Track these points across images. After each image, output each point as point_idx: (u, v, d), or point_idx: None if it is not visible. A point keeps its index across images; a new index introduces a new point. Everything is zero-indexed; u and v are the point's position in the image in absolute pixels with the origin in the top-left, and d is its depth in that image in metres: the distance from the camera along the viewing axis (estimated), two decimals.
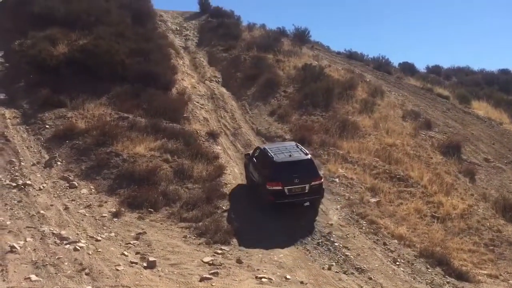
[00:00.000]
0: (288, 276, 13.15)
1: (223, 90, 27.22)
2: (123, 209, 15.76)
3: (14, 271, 11.78)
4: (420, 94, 30.33)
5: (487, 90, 34.25)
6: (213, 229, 15.06)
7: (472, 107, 29.55)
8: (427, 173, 19.75)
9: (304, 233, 15.43)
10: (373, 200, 17.67)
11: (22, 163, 17.44)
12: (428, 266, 14.67)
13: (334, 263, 14.24)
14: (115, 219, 15.28)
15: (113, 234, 14.45)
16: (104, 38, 24.45)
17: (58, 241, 13.39)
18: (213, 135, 21.41)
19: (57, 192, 16.26)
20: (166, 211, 16.17)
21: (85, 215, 15.25)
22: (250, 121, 23.95)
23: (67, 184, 16.76)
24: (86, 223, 14.80)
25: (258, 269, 13.39)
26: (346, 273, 13.84)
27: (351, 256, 14.64)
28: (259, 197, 16.48)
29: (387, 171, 19.57)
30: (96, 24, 26.11)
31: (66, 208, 15.37)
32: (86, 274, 12.01)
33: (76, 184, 16.79)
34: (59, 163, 17.83)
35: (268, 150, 16.63)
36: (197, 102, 24.72)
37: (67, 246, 13.20)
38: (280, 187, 15.55)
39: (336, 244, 15.15)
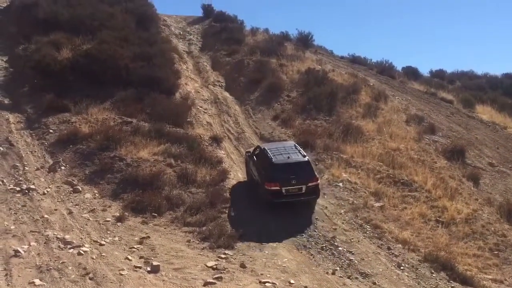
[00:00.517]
0: (292, 281, 13.11)
1: (227, 94, 27.25)
2: (126, 214, 15.77)
3: (18, 276, 11.78)
4: (424, 98, 30.29)
5: (491, 94, 34.17)
6: (217, 234, 15.04)
7: (476, 111, 29.50)
8: (431, 178, 19.70)
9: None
10: (377, 204, 17.62)
11: (26, 167, 17.49)
12: (433, 271, 14.61)
13: (338, 268, 14.19)
14: (119, 224, 15.28)
15: (117, 238, 14.46)
16: (108, 42, 24.54)
17: (62, 246, 13.39)
18: (216, 140, 21.42)
19: (61, 197, 16.28)
20: (169, 215, 16.17)
21: (89, 219, 15.26)
22: (253, 125, 23.96)
23: (71, 189, 16.79)
24: (90, 227, 14.81)
25: (262, 274, 13.34)
26: (350, 277, 13.79)
27: (355, 261, 14.59)
28: (258, 196, 16.90)
29: (391, 175, 19.53)
30: (100, 29, 26.20)
31: (70, 213, 15.39)
32: (90, 278, 11.99)
33: (80, 189, 16.82)
34: (63, 167, 17.86)
35: (268, 150, 16.96)
36: (201, 107, 24.75)
37: (71, 250, 13.20)
38: (278, 188, 16.02)
39: (340, 248, 15.10)
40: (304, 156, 16.75)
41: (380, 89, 28.70)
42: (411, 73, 38.22)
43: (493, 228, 17.29)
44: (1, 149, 18.16)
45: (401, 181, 19.27)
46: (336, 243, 15.32)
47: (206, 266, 13.45)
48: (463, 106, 29.78)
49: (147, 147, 18.96)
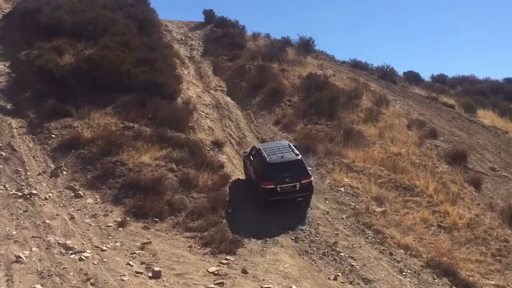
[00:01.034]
0: (293, 287, 13.11)
1: (228, 99, 27.29)
2: (128, 219, 15.77)
3: (20, 281, 11.80)
4: (425, 103, 30.28)
5: (493, 99, 34.15)
6: (218, 239, 15.05)
7: (477, 116, 29.45)
8: (432, 182, 19.65)
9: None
10: (378, 209, 17.59)
11: (28, 172, 17.51)
12: (435, 277, 14.56)
13: (340, 273, 14.16)
14: (120, 229, 15.28)
15: (118, 244, 14.46)
16: (110, 48, 24.63)
17: (63, 251, 13.40)
18: (218, 144, 21.44)
19: (63, 202, 16.30)
20: (171, 220, 16.18)
21: (90, 224, 15.27)
22: (255, 130, 23.98)
23: (73, 194, 16.81)
24: (91, 232, 14.81)
25: (263, 279, 13.33)
26: (352, 283, 13.77)
27: (357, 266, 14.56)
28: (254, 194, 17.45)
29: (393, 180, 19.50)
30: (102, 34, 26.32)
31: (72, 218, 15.40)
32: (91, 284, 12.01)
33: (82, 194, 16.83)
34: (64, 172, 17.89)
35: (263, 150, 17.58)
36: (202, 112, 24.79)
37: (73, 256, 13.21)
38: (272, 186, 16.61)
39: (342, 254, 15.08)
40: (297, 155, 17.30)
41: (381, 94, 28.71)
42: (413, 78, 38.21)
43: (495, 233, 17.22)
44: (4, 154, 18.19)
45: (403, 186, 19.24)
46: (338, 249, 15.30)
47: (208, 271, 13.45)
48: (464, 111, 29.74)
49: (149, 152, 18.98)
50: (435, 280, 14.41)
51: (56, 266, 12.64)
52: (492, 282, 14.83)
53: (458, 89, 39.06)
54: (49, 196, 16.41)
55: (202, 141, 21.03)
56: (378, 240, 16.00)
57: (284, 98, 26.44)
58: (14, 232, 14.02)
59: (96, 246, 14.02)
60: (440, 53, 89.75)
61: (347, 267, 14.51)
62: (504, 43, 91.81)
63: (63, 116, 20.80)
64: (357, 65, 36.86)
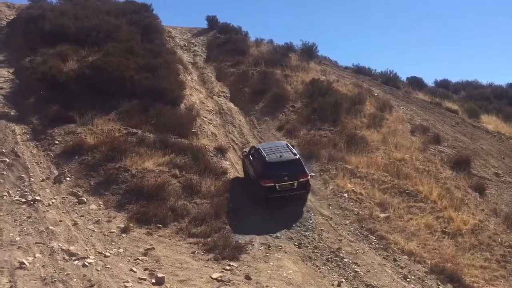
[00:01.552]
0: None
1: (231, 105, 27.32)
2: (131, 225, 15.77)
3: (23, 287, 11.77)
4: (429, 108, 30.23)
5: (496, 104, 34.09)
6: (222, 245, 15.03)
7: (481, 121, 29.39)
8: (436, 188, 19.59)
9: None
10: (382, 215, 17.54)
11: (31, 178, 17.54)
12: (439, 283, 14.50)
13: (343, 280, 14.12)
14: (123, 235, 15.28)
15: (121, 250, 14.44)
16: (113, 54, 24.73)
17: (67, 257, 13.41)
18: (221, 150, 21.44)
19: (66, 208, 16.31)
20: (174, 226, 16.16)
21: (93, 230, 15.27)
22: (258, 136, 23.97)
23: (76, 200, 16.82)
24: (94, 239, 14.81)
25: (267, 286, 13.30)
26: None
27: (361, 273, 14.51)
28: (254, 192, 17.97)
29: (396, 186, 19.44)
30: (106, 41, 26.43)
31: (75, 224, 15.40)
32: None
33: (85, 200, 16.85)
34: (68, 178, 17.91)
35: (262, 150, 18.18)
36: (205, 117, 24.82)
37: (76, 262, 13.22)
38: (272, 184, 17.23)
39: (345, 260, 15.03)
40: (295, 155, 17.93)
41: (384, 99, 28.69)
42: (416, 83, 38.13)
43: (499, 239, 17.14)
44: (7, 160, 18.23)
45: (407, 191, 19.18)
46: (341, 255, 15.25)
47: (211, 278, 13.42)
48: (468, 116, 29.68)
49: (152, 158, 18.99)
50: (440, 286, 14.36)
51: (60, 272, 12.64)
52: None
53: (461, 94, 39.00)
54: (52, 202, 16.43)
55: (205, 147, 21.05)
56: (382, 246, 15.95)
57: (287, 103, 26.45)
58: (17, 238, 14.04)
59: (99, 252, 14.02)
60: (444, 59, 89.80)
61: (350, 273, 14.46)
62: (507, 48, 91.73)
63: (66, 122, 20.84)
64: (360, 71, 36.86)
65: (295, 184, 17.40)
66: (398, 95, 32.01)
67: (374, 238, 16.33)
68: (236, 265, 14.29)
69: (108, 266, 13.30)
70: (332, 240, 15.99)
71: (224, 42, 35.18)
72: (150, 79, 23.99)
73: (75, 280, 12.33)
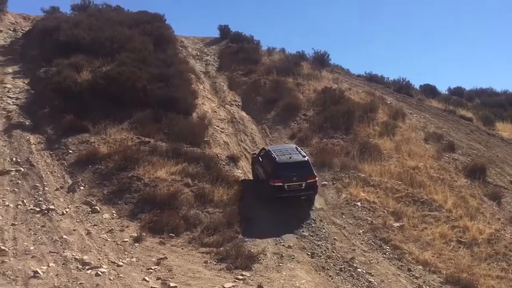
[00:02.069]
0: None
1: (243, 114, 27.36)
2: (144, 234, 15.80)
3: None
4: (443, 116, 29.98)
5: (511, 111, 33.63)
6: (234, 255, 14.97)
7: (496, 128, 29.07)
8: (451, 197, 19.38)
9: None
10: (396, 224, 17.37)
11: (46, 188, 17.69)
12: None
13: None
14: (136, 244, 15.30)
15: (134, 259, 14.47)
16: (126, 64, 24.93)
17: (80, 267, 13.48)
18: (233, 159, 21.45)
19: (80, 217, 16.40)
20: (187, 236, 16.15)
21: (107, 240, 15.33)
22: (270, 144, 23.91)
23: (90, 209, 16.91)
24: (108, 248, 14.86)
25: None
26: None
27: (375, 283, 14.36)
28: (263, 191, 18.43)
29: (410, 194, 19.25)
30: (119, 51, 26.67)
31: (89, 233, 15.48)
32: None
33: (98, 209, 16.93)
34: (82, 187, 18.04)
35: (272, 151, 18.72)
36: (218, 126, 24.88)
37: (89, 271, 13.28)
38: (281, 184, 17.72)
39: (359, 270, 14.88)
40: (304, 157, 18.51)
41: (397, 107, 28.52)
42: (429, 90, 37.91)
43: None
44: (22, 169, 18.43)
45: (421, 200, 18.98)
46: (355, 264, 15.11)
47: (224, 287, 13.35)
48: (483, 124, 29.38)
49: (165, 166, 19.05)
50: None
51: (73, 281, 12.70)
52: None
53: (476, 102, 38.64)
54: (66, 211, 16.54)
55: (217, 155, 21.07)
56: (396, 256, 15.78)
57: (299, 112, 26.42)
58: (31, 248, 14.14)
59: (112, 262, 14.06)
60: (457, 66, 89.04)
61: (364, 283, 14.31)
62: None
63: (80, 131, 21.03)
64: (372, 79, 36.73)
65: (303, 184, 17.85)
66: (411, 103, 31.80)
67: (388, 247, 16.17)
68: (248, 275, 14.23)
69: (121, 275, 13.33)
70: (346, 250, 15.86)
71: (236, 51, 35.30)
72: (163, 88, 24.14)
73: None
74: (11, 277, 12.63)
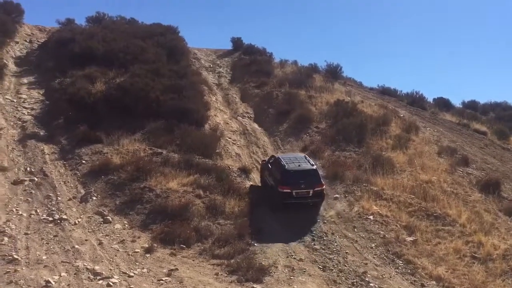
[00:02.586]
0: None
1: (255, 126, 27.39)
2: (155, 245, 15.79)
3: None
4: (456, 129, 29.74)
5: None
6: (245, 267, 14.87)
7: (511, 143, 28.72)
8: (465, 211, 19.11)
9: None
10: (409, 239, 17.15)
11: (59, 197, 17.81)
12: None
13: None
14: (147, 255, 15.29)
15: (145, 270, 14.44)
16: (140, 75, 25.21)
17: (91, 277, 13.48)
18: (245, 171, 21.43)
19: (92, 227, 16.46)
20: (198, 247, 16.11)
21: (118, 250, 15.34)
22: None
23: (102, 219, 16.97)
24: (119, 258, 14.86)
25: None
26: None
27: None
28: (272, 197, 18.79)
29: (423, 208, 19.03)
30: (133, 62, 27.01)
31: (100, 243, 15.51)
32: None
33: (110, 219, 16.98)
34: (94, 198, 18.12)
35: (282, 159, 19.20)
36: (230, 138, 24.92)
37: (100, 281, 13.28)
38: (289, 190, 18.15)
39: (371, 284, 14.68)
40: (313, 165, 19.02)
41: (410, 120, 28.36)
42: (443, 104, 37.71)
43: None
44: (36, 179, 18.59)
45: (434, 214, 18.74)
46: (367, 279, 14.91)
47: None
48: (497, 138, 29.09)
49: (177, 178, 19.10)
50: None
51: None
52: None
53: (490, 116, 38.34)
54: (78, 221, 16.61)
55: (229, 167, 21.07)
56: (409, 271, 15.55)
57: (312, 124, 26.39)
58: (44, 257, 14.19)
59: (123, 272, 14.04)
60: (471, 79, 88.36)
61: None
62: None
63: (93, 142, 21.22)
64: (385, 92, 36.65)
65: (311, 192, 18.32)
66: (425, 116, 31.62)
67: (401, 262, 15.95)
68: None
69: (132, 286, 13.31)
70: (358, 264, 15.67)
71: (248, 63, 35.51)
72: (176, 99, 24.30)
73: None
74: (23, 287, 12.68)
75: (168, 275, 14.29)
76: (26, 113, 23.60)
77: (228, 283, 14.28)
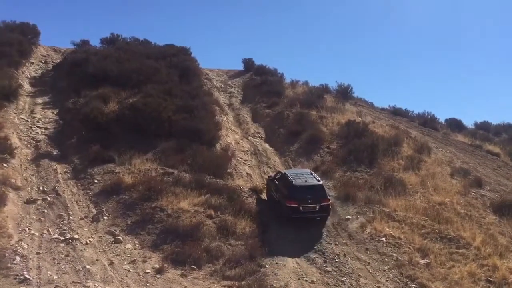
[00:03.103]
0: None
1: (266, 146, 27.42)
2: (166, 265, 15.70)
3: None
4: (469, 150, 29.50)
5: None
6: None
7: None
8: (479, 234, 18.81)
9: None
10: (423, 261, 16.90)
11: (70, 217, 17.87)
12: None
13: None
14: (158, 276, 15.21)
15: None
16: (152, 96, 25.45)
17: None
18: (256, 191, 21.37)
19: (103, 247, 16.45)
20: (209, 268, 16.00)
21: (129, 270, 15.28)
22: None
23: (113, 239, 16.95)
24: (130, 279, 14.80)
25: None
26: None
27: None
28: (279, 212, 19.14)
29: (437, 231, 18.78)
30: (145, 83, 27.30)
31: (111, 263, 15.47)
32: None
33: (121, 239, 16.96)
34: (105, 217, 18.15)
35: (288, 175, 19.59)
36: (241, 158, 24.94)
37: None
38: (296, 205, 18.51)
39: None
40: (319, 181, 19.43)
41: (422, 141, 28.21)
42: (455, 125, 37.55)
43: None
44: (48, 198, 18.70)
45: (448, 237, 18.48)
46: None
47: None
48: (510, 159, 28.82)
49: (188, 197, 19.10)
50: None
51: None
52: None
53: (503, 137, 38.01)
54: (90, 241, 16.62)
55: (240, 187, 21.05)
56: None
57: (323, 145, 26.36)
58: (55, 277, 14.18)
59: None
60: (483, 100, 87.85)
61: None
62: None
63: (106, 162, 21.35)
64: (396, 112, 36.62)
65: (317, 207, 18.67)
66: (437, 137, 31.46)
67: (414, 285, 15.68)
68: None
69: None
70: (370, 287, 15.44)
71: (260, 83, 35.75)
72: (187, 119, 24.46)
73: None
74: None
75: None
76: (40, 133, 23.87)
77: None
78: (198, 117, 25.09)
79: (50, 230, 16.86)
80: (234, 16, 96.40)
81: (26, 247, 15.53)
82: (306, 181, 19.15)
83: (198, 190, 19.70)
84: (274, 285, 15.14)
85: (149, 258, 16.18)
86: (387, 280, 15.86)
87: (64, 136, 23.56)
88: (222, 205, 18.98)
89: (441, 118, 38.01)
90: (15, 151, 20.88)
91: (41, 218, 17.50)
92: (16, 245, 15.39)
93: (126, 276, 14.94)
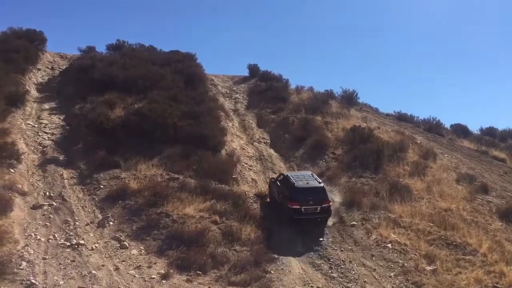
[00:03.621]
0: None
1: (272, 151, 27.44)
2: (171, 271, 15.72)
3: None
4: (475, 156, 29.39)
5: None
6: None
7: None
8: (486, 240, 18.70)
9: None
10: (429, 268, 16.82)
11: (76, 222, 17.93)
12: None
13: None
14: (163, 281, 15.23)
15: None
16: (158, 101, 25.55)
17: None
18: (261, 197, 21.37)
19: (109, 252, 16.49)
20: (214, 274, 16.00)
21: (134, 276, 15.31)
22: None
23: (118, 245, 16.99)
24: (135, 284, 14.83)
25: None
26: None
27: None
28: (281, 213, 19.49)
29: (443, 237, 18.69)
30: (151, 89, 27.41)
31: (117, 269, 15.50)
32: None
33: (127, 245, 16.99)
34: (111, 223, 18.19)
35: (290, 177, 19.98)
36: (246, 163, 24.97)
37: None
38: (298, 206, 18.93)
39: None
40: (320, 183, 19.89)
41: (428, 147, 28.14)
42: (461, 130, 37.39)
43: None
44: (55, 204, 18.78)
45: (454, 243, 18.39)
46: None
47: None
48: None
49: (193, 203, 19.12)
50: None
51: None
52: None
53: (508, 143, 37.79)
54: (95, 246, 16.66)
55: (245, 193, 21.07)
56: None
57: (328, 150, 26.35)
58: (61, 282, 14.23)
59: None
60: (489, 106, 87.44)
61: None
62: None
63: (111, 167, 21.43)
64: (402, 118, 36.55)
65: (319, 208, 19.12)
66: (442, 142, 31.37)
67: None
68: None
69: None
70: None
71: (265, 89, 35.79)
72: (193, 125, 24.53)
73: None
74: None
75: None
76: (46, 138, 23.99)
77: None
78: (204, 123, 25.16)
79: (56, 235, 16.92)
80: (239, 23, 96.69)
81: (32, 252, 15.59)
82: (307, 183, 19.57)
83: (203, 195, 19.73)
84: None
85: (155, 263, 16.20)
86: (393, 287, 15.80)
87: (70, 142, 23.68)
88: (227, 211, 19.00)
89: (447, 124, 37.91)
90: (22, 157, 20.99)
91: (47, 223, 17.57)
92: (23, 250, 15.46)
93: (132, 281, 14.97)
